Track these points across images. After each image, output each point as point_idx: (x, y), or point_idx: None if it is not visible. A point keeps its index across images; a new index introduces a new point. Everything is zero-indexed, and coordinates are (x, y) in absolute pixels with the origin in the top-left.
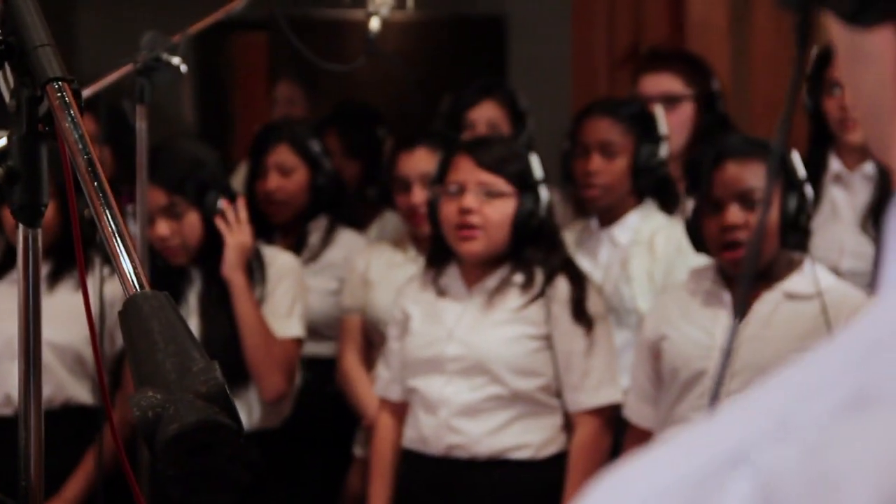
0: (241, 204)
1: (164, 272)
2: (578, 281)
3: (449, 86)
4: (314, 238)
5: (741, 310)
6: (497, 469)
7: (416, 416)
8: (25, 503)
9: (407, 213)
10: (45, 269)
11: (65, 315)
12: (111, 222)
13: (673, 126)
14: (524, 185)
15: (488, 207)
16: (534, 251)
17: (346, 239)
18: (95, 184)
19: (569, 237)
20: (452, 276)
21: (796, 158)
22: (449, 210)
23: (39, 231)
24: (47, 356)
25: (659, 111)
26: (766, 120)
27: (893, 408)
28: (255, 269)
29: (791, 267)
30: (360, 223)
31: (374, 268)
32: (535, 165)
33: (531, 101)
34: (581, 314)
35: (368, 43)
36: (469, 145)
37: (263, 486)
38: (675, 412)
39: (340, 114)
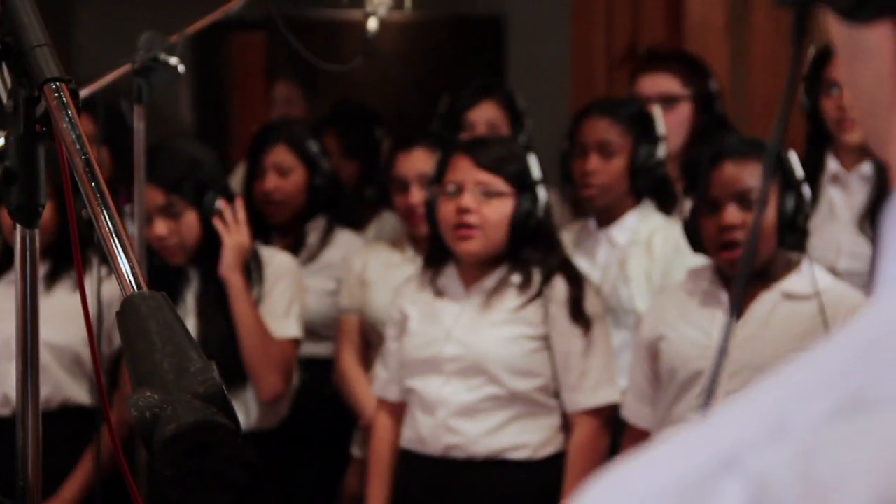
0: (239, 204)
1: (161, 272)
2: (576, 281)
3: (447, 86)
4: (312, 238)
5: (736, 308)
6: (495, 469)
7: (413, 417)
8: (23, 502)
9: (405, 213)
10: (42, 270)
11: (62, 315)
12: (108, 222)
13: (670, 126)
14: (522, 185)
15: (486, 207)
16: (531, 251)
17: (345, 239)
18: (93, 184)
19: (567, 237)
20: (450, 276)
21: (794, 158)
22: (447, 210)
23: (37, 231)
24: (45, 357)
25: (657, 111)
26: (765, 120)
27: (889, 410)
28: (252, 269)
29: (789, 267)
30: (357, 223)
31: (371, 268)
32: (534, 166)
33: (530, 101)
34: (579, 314)
35: (366, 43)
36: (467, 145)
37: (261, 486)
38: (672, 412)
39: (338, 114)
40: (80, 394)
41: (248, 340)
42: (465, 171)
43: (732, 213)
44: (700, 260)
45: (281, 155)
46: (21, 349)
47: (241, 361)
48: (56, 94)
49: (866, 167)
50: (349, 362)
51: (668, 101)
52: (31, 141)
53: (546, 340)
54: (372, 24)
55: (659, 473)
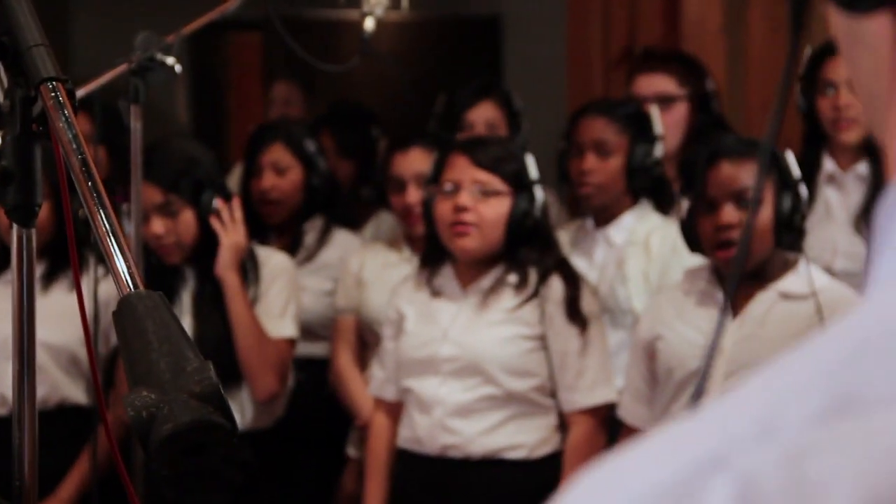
0: (236, 203)
1: (157, 271)
2: (572, 281)
3: (444, 86)
4: (309, 238)
5: (728, 305)
6: (491, 469)
7: (410, 416)
8: (20, 503)
9: (401, 213)
10: (39, 270)
11: (59, 315)
12: (105, 222)
13: (667, 126)
14: (519, 184)
15: (483, 206)
16: (528, 251)
17: (342, 239)
18: (89, 184)
19: (564, 237)
20: (447, 276)
21: (791, 158)
22: (444, 208)
23: (34, 231)
24: (42, 356)
25: (654, 111)
26: (762, 120)
27: (877, 411)
28: (248, 269)
29: (786, 267)
30: (355, 223)
31: (368, 268)
32: (531, 166)
33: (526, 101)
34: (575, 314)
35: (363, 43)
36: (465, 144)
37: (256, 486)
38: (669, 412)
39: (334, 114)
40: (76, 393)
41: (244, 340)
42: (463, 170)
43: (729, 213)
44: (697, 260)
45: (278, 154)
46: (17, 349)
47: (236, 361)
48: (53, 94)
49: (862, 167)
50: (345, 362)
51: (665, 101)
52: (27, 140)
53: (542, 340)
54: (369, 23)
55: (646, 471)
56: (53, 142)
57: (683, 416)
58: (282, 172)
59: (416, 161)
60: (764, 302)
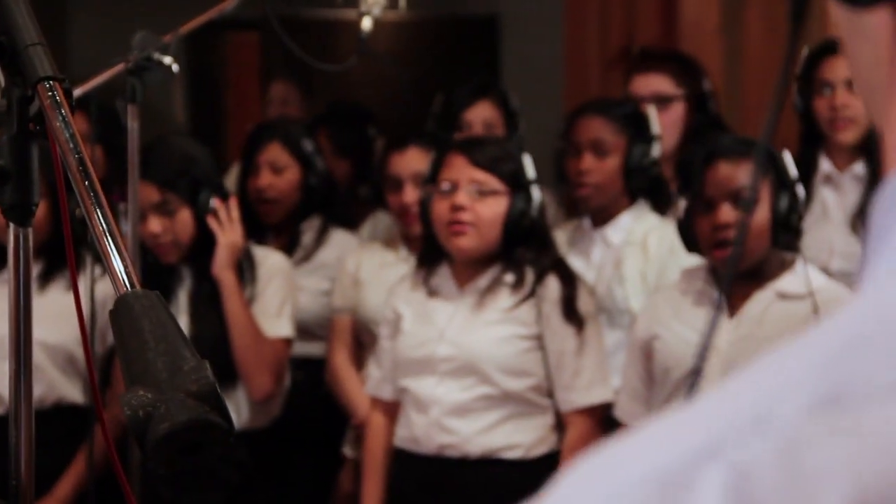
0: (234, 203)
1: (154, 270)
2: (569, 280)
3: (442, 86)
4: (307, 238)
5: (724, 304)
6: (488, 468)
7: (407, 416)
8: (16, 502)
9: (398, 212)
10: (36, 269)
11: (56, 315)
12: (102, 221)
13: (664, 126)
14: (517, 184)
15: (480, 205)
16: (525, 251)
17: (339, 239)
18: (86, 183)
19: (561, 236)
20: (443, 275)
21: (788, 158)
22: (441, 208)
23: (30, 230)
24: (38, 356)
25: (652, 111)
26: (758, 120)
27: (871, 405)
28: (245, 268)
29: (783, 267)
30: (352, 223)
31: (364, 268)
32: (528, 166)
33: (524, 101)
34: (572, 314)
35: (361, 43)
36: (462, 144)
37: (252, 486)
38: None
39: (331, 113)
40: (73, 393)
41: (240, 340)
42: (460, 170)
43: (726, 212)
44: (694, 260)
45: (275, 153)
46: (14, 348)
47: (233, 361)
48: (50, 93)
49: (859, 167)
50: (341, 362)
51: (662, 101)
52: (24, 140)
53: (539, 340)
54: (366, 23)
55: (640, 460)
56: (50, 141)
57: (678, 408)
58: (279, 171)
59: (413, 160)
60: (761, 301)
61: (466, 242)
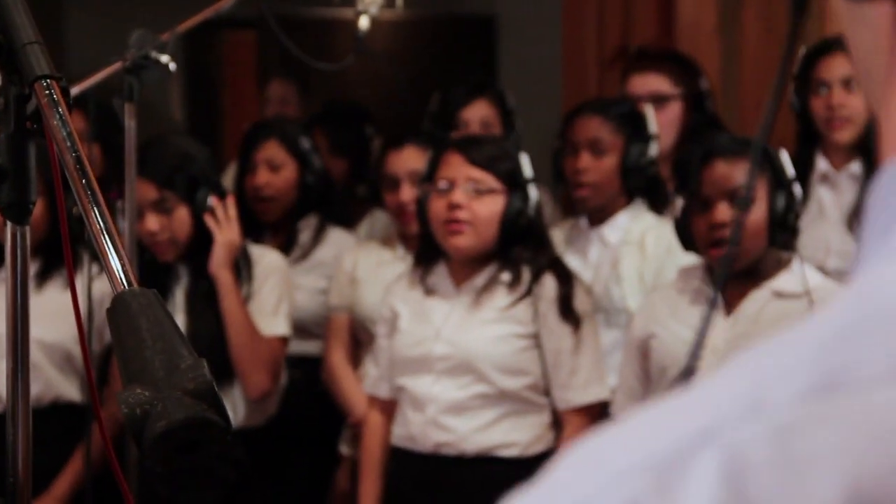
0: (231, 201)
1: (151, 268)
2: (566, 279)
3: (439, 85)
4: (304, 237)
5: (720, 301)
6: (485, 466)
7: (404, 414)
8: (13, 500)
9: (395, 210)
10: (33, 268)
11: (53, 313)
12: (99, 219)
13: (661, 125)
14: (514, 183)
15: (477, 203)
16: (521, 250)
17: (337, 238)
18: (83, 181)
19: (558, 235)
20: (440, 274)
21: (785, 157)
22: (438, 206)
23: (27, 229)
24: (36, 354)
25: (649, 111)
26: (755, 119)
27: (866, 390)
28: (241, 267)
29: (779, 266)
30: (349, 222)
31: (361, 266)
32: (525, 165)
33: (521, 100)
34: (568, 312)
35: (358, 42)
36: (460, 143)
37: (249, 484)
38: None
39: (328, 112)
40: (70, 391)
41: (237, 338)
42: (457, 168)
43: (723, 212)
44: (691, 259)
45: (272, 150)
46: (12, 347)
47: (229, 359)
48: (47, 92)
49: (855, 166)
50: (338, 360)
51: (659, 101)
52: (21, 138)
53: (536, 339)
54: (363, 22)
55: (634, 445)
56: (48, 139)
57: (673, 394)
58: (276, 169)
59: (410, 159)
60: (757, 300)
61: (463, 242)
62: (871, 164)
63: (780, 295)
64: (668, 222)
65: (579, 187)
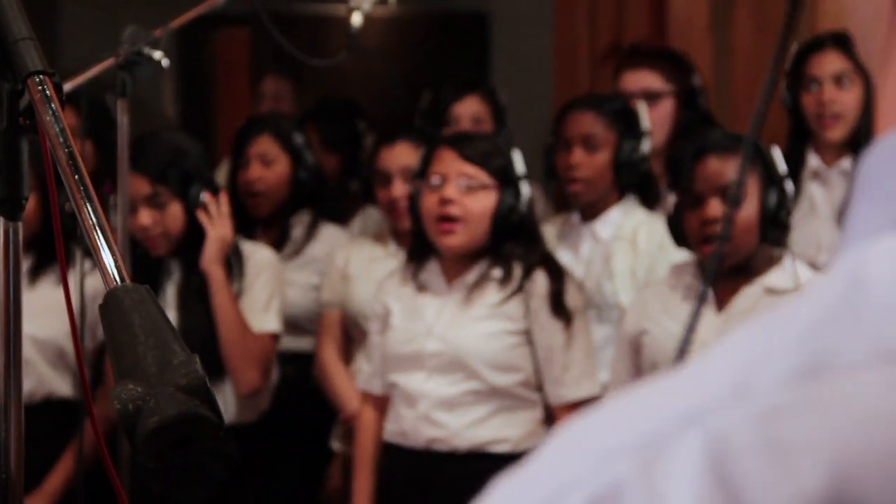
0: (224, 198)
1: (142, 264)
2: (557, 275)
3: (432, 82)
4: (297, 232)
5: (710, 296)
6: (477, 462)
7: (396, 410)
8: (5, 496)
9: (387, 206)
10: (26, 264)
11: (46, 309)
12: (92, 215)
13: (654, 122)
14: (506, 179)
15: (469, 199)
16: (513, 246)
17: (329, 234)
18: (76, 177)
19: (550, 231)
20: (432, 271)
21: (777, 154)
22: (430, 201)
23: (20, 224)
24: (28, 350)
25: (642, 107)
26: (748, 116)
27: (849, 375)
28: (233, 263)
29: (771, 262)
30: (342, 218)
31: (353, 262)
32: (518, 161)
33: (513, 97)
34: (559, 308)
35: (350, 38)
36: (452, 139)
37: (241, 480)
38: None
39: (320, 108)
40: (63, 387)
41: (228, 334)
42: (450, 163)
43: (715, 207)
44: (683, 255)
45: (265, 145)
46: (4, 343)
47: (220, 355)
48: (40, 88)
49: (846, 163)
50: (330, 356)
51: (652, 97)
52: (14, 134)
53: (527, 335)
54: (356, 19)
55: (619, 429)
56: (40, 135)
57: (657, 377)
58: (268, 164)
59: (402, 155)
60: (749, 297)
61: (455, 241)
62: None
63: (771, 291)
64: (659, 218)
65: (572, 182)
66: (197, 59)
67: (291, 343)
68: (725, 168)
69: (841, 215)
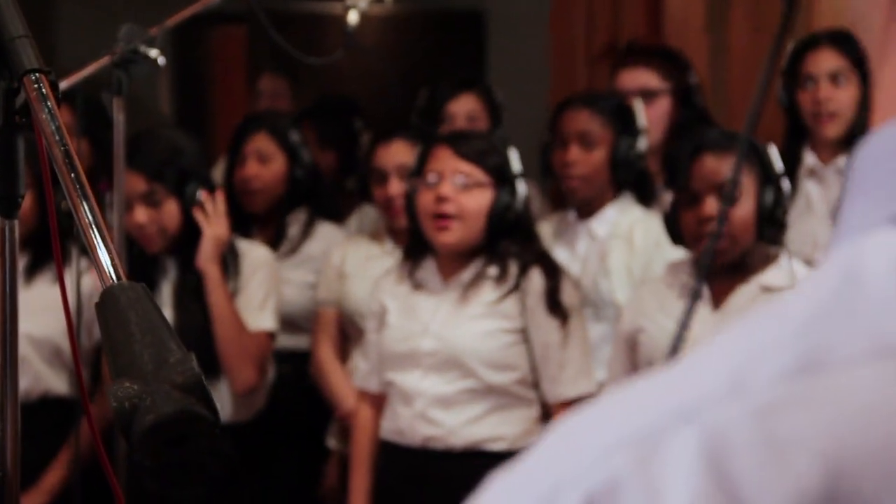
0: (220, 196)
1: (138, 262)
2: (553, 273)
3: (428, 80)
4: (293, 231)
5: (704, 293)
6: (473, 460)
7: (393, 408)
8: (2, 493)
9: (383, 204)
10: (22, 262)
11: (42, 308)
12: (88, 213)
13: (650, 120)
14: (502, 177)
15: (465, 197)
16: (509, 244)
17: (326, 232)
18: (72, 175)
19: (546, 229)
20: (428, 269)
21: (774, 152)
22: (426, 199)
23: (16, 223)
24: (25, 349)
25: (638, 105)
26: (744, 115)
27: (845, 371)
28: (229, 261)
29: (767, 260)
30: (338, 216)
31: (350, 260)
32: (514, 160)
33: (510, 96)
34: (555, 306)
35: (347, 36)
36: (449, 137)
37: (237, 479)
38: None
39: (317, 106)
40: (59, 385)
41: (224, 333)
42: (446, 161)
43: (711, 205)
44: (680, 253)
45: (262, 142)
46: (0, 341)
47: (216, 353)
48: (36, 86)
49: (843, 161)
50: (326, 354)
51: (648, 96)
52: (10, 132)
53: (523, 333)
54: (352, 17)
55: (615, 425)
56: (36, 133)
57: (654, 372)
58: (265, 161)
59: (398, 153)
60: (745, 295)
61: (450, 238)
62: None
63: (768, 289)
64: (655, 216)
65: (568, 179)
66: (193, 58)
67: (287, 341)
68: (722, 166)
69: (837, 213)
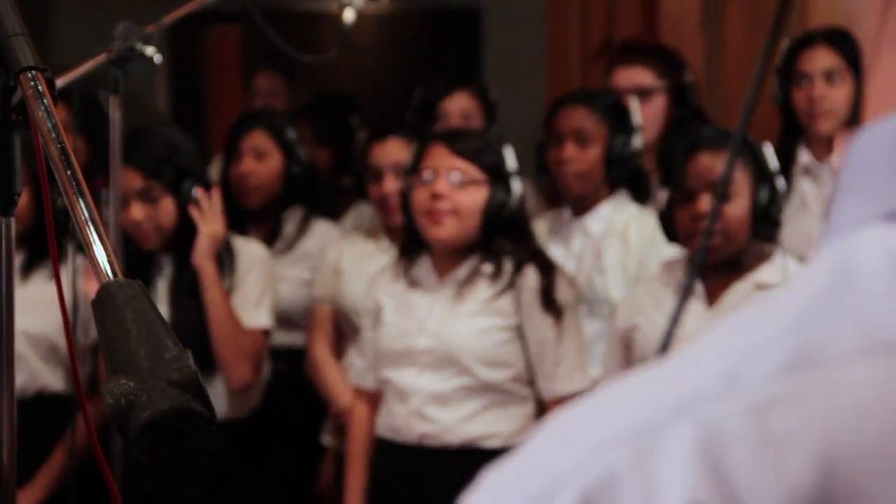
0: (216, 193)
1: (134, 258)
2: (547, 270)
3: (424, 78)
4: (289, 228)
5: (697, 289)
6: (468, 457)
7: (388, 406)
8: None
9: (379, 202)
10: (18, 259)
11: (38, 305)
12: (84, 210)
13: (645, 118)
14: (497, 175)
15: (460, 194)
16: (504, 241)
17: (321, 229)
18: (68, 172)
19: (541, 226)
20: (424, 266)
21: (769, 150)
22: (421, 196)
23: (13, 220)
24: (21, 345)
25: (633, 102)
26: (739, 113)
27: (838, 366)
28: (224, 259)
29: (762, 258)
30: (335, 213)
31: (345, 258)
32: (509, 157)
33: (505, 93)
34: (550, 303)
35: (342, 35)
36: (444, 134)
37: (232, 476)
38: None
39: (314, 104)
40: (55, 382)
41: (219, 330)
42: (442, 159)
43: (706, 203)
44: (675, 251)
45: (259, 139)
46: None
47: (211, 351)
48: (32, 83)
49: (838, 159)
50: (321, 351)
51: (644, 94)
52: (6, 130)
53: (518, 330)
54: (348, 15)
55: (611, 419)
56: (33, 131)
57: (648, 367)
58: (261, 158)
59: (393, 151)
60: (739, 292)
61: (444, 232)
62: None
63: (762, 287)
64: (650, 213)
65: (563, 176)
66: (189, 56)
67: (283, 338)
68: (717, 164)
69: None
